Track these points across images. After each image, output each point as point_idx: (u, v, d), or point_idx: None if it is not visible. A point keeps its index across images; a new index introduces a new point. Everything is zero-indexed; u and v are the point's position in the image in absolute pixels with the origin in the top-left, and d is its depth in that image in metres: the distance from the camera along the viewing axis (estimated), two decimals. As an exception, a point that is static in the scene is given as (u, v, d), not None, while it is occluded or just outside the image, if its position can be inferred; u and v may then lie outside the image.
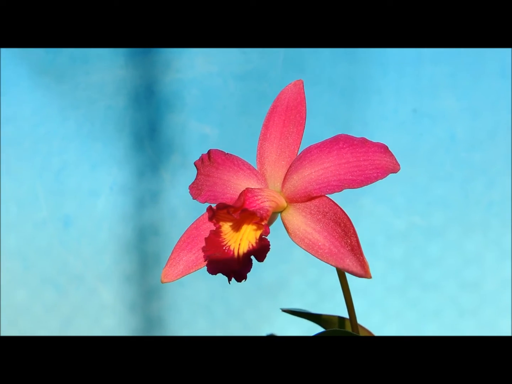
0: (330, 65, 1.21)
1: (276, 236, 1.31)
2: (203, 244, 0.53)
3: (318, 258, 0.52)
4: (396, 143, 1.24)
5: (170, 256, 0.56)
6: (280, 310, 0.70)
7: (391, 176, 1.33)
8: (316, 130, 1.24)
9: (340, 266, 0.50)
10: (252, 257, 0.52)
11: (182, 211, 1.27)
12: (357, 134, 1.34)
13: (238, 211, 0.50)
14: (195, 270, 0.57)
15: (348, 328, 0.67)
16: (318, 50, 1.21)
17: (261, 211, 0.51)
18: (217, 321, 1.29)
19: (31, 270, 1.31)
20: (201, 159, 0.56)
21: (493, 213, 1.20)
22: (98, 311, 1.31)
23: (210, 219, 0.51)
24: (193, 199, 0.56)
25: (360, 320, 0.63)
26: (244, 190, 0.51)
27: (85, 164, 1.28)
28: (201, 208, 1.36)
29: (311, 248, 0.51)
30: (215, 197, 0.55)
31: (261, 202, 0.52)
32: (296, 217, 0.53)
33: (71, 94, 1.27)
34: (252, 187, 0.53)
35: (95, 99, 1.27)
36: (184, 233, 0.56)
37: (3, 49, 1.30)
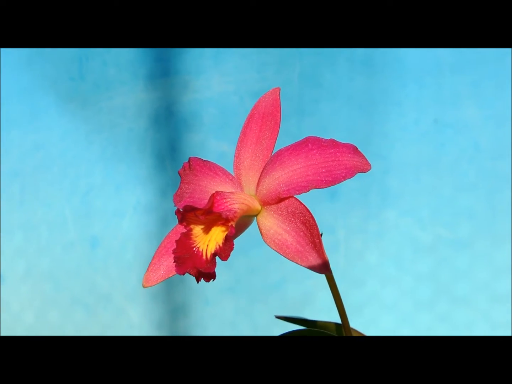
0: (347, 80, 1.07)
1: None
2: (175, 246, 0.50)
3: (286, 258, 0.49)
4: (418, 154, 1.09)
5: (151, 262, 0.53)
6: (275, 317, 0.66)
7: (415, 187, 1.16)
8: None
9: (304, 264, 0.48)
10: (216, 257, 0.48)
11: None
12: (377, 147, 1.17)
13: (205, 213, 0.48)
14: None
15: (342, 333, 0.62)
16: (334, 64, 1.07)
17: (228, 213, 0.48)
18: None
19: (62, 291, 1.20)
20: (183, 167, 0.53)
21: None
22: (126, 330, 1.18)
23: (180, 222, 0.49)
24: (175, 206, 0.53)
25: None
26: (214, 193, 0.49)
27: (110, 186, 1.17)
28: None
29: (280, 248, 0.49)
30: (193, 203, 0.52)
31: (230, 204, 0.49)
32: (268, 219, 0.51)
33: (95, 119, 1.17)
34: (219, 191, 0.51)
35: (118, 122, 1.16)
36: (164, 239, 0.54)
37: (33, 80, 1.20)
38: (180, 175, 0.54)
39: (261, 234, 0.51)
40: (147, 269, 0.53)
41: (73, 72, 1.22)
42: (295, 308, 1.17)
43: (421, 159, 1.11)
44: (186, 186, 0.53)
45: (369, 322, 1.15)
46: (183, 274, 0.48)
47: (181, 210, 0.49)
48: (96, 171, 1.22)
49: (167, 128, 1.18)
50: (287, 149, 0.50)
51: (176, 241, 0.49)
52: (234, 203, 0.49)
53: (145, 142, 1.19)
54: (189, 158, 0.53)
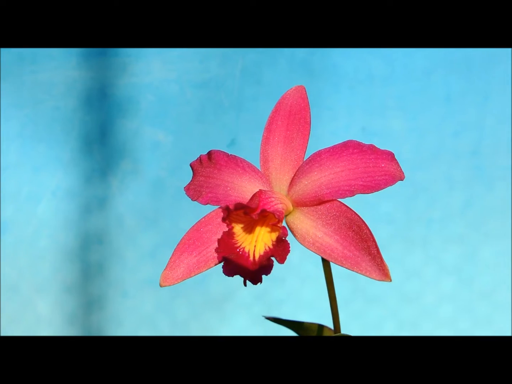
0: (286, 80, 1.08)
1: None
2: (213, 245, 0.49)
3: (332, 261, 0.48)
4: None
5: (170, 259, 0.51)
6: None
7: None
8: None
9: (355, 269, 0.47)
10: (273, 258, 0.47)
11: (129, 219, 1.08)
12: (309, 149, 1.20)
13: (256, 212, 0.46)
14: (197, 274, 0.50)
15: (326, 335, 0.61)
16: (275, 64, 1.08)
17: (278, 213, 0.47)
18: (161, 333, 1.10)
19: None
20: (200, 160, 0.51)
21: (434, 230, 1.11)
22: (32, 323, 1.08)
23: (224, 219, 0.47)
24: (193, 200, 0.51)
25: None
26: (258, 192, 0.48)
27: (26, 167, 1.07)
28: (153, 218, 1.16)
29: (323, 252, 0.48)
30: (217, 198, 0.50)
31: (275, 204, 0.48)
32: (305, 221, 0.49)
33: (15, 93, 1.06)
34: (263, 189, 0.49)
35: (42, 99, 1.08)
36: (184, 235, 0.51)
37: None
38: (193, 168, 0.52)
39: (296, 237, 0.49)
40: (166, 267, 0.50)
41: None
42: (216, 305, 1.15)
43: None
44: (204, 179, 0.51)
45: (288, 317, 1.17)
46: (232, 276, 0.46)
47: (229, 208, 0.47)
48: (12, 149, 1.11)
49: (99, 111, 1.11)
50: (327, 150, 0.49)
51: (218, 239, 0.47)
52: (278, 203, 0.48)
53: (72, 123, 1.11)
54: (211, 151, 0.51)
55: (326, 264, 0.56)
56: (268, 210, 0.47)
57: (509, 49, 1.10)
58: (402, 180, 0.47)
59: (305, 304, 1.16)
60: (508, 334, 1.09)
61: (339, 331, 0.59)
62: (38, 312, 1.12)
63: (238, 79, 1.11)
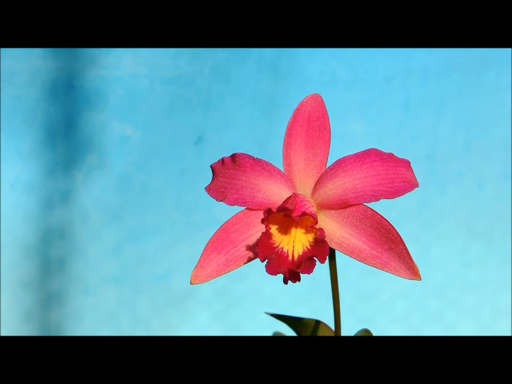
0: (254, 80, 1.10)
1: (190, 245, 1.14)
2: (241, 244, 0.52)
3: (360, 261, 0.50)
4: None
5: (200, 258, 0.52)
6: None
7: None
8: (235, 141, 1.11)
9: (385, 269, 0.50)
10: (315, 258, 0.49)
11: (94, 214, 1.05)
12: (274, 148, 1.22)
13: (298, 214, 0.49)
14: (226, 272, 0.52)
15: (322, 332, 0.64)
16: (244, 63, 1.09)
17: (314, 215, 0.50)
18: (122, 331, 1.08)
19: None
20: (222, 161, 0.52)
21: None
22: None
23: (263, 221, 0.49)
24: (218, 201, 0.53)
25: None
26: (293, 195, 0.51)
27: None
28: (117, 213, 1.14)
29: (351, 252, 0.51)
30: (243, 200, 0.52)
31: (310, 207, 0.51)
32: (330, 223, 0.51)
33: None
34: (296, 193, 0.52)
35: (1, 87, 1.02)
36: (213, 235, 0.53)
37: None
38: (215, 169, 0.53)
39: None
40: (196, 265, 0.52)
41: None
42: (177, 301, 1.15)
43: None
44: (229, 181, 0.52)
45: (250, 315, 1.18)
46: (275, 275, 0.48)
47: (271, 210, 0.49)
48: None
49: (65, 102, 1.07)
50: (350, 157, 0.51)
51: (258, 240, 0.49)
52: (311, 206, 0.51)
53: (34, 114, 1.07)
54: (235, 153, 0.52)
55: (332, 263, 0.58)
56: (307, 212, 0.49)
57: (462, 60, 1.17)
58: (417, 187, 0.51)
59: (266, 300, 1.18)
60: (458, 329, 1.16)
61: (339, 329, 0.61)
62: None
63: (207, 77, 1.11)
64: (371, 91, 1.18)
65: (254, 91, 1.14)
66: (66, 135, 1.08)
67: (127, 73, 1.07)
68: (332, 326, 0.63)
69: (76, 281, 1.10)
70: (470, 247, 1.19)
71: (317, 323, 0.65)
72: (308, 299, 1.18)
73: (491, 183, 1.19)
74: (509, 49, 1.14)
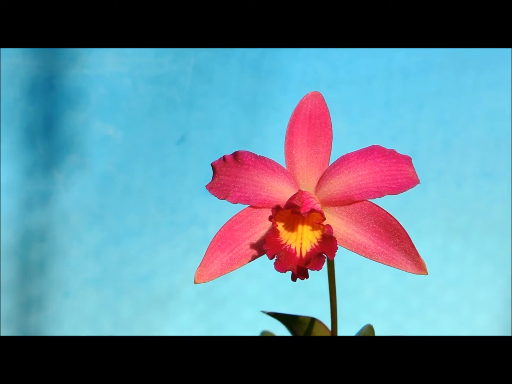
0: (236, 80, 1.09)
1: (173, 245, 1.13)
2: (245, 242, 0.51)
3: (365, 257, 0.51)
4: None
5: (203, 257, 0.52)
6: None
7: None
8: (218, 140, 1.11)
9: (391, 264, 0.50)
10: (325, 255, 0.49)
11: (74, 216, 1.03)
12: (256, 148, 1.22)
13: (306, 211, 0.49)
14: (230, 271, 0.52)
15: (317, 329, 0.64)
16: (227, 63, 1.08)
17: (322, 212, 0.50)
18: (103, 333, 1.07)
19: None
20: (224, 159, 0.52)
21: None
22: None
23: (271, 218, 0.49)
24: (220, 199, 0.52)
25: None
26: (299, 192, 0.51)
27: None
28: (99, 214, 1.12)
29: (356, 248, 0.51)
30: (246, 197, 0.52)
31: (316, 203, 0.51)
32: (334, 220, 0.51)
33: None
34: (302, 190, 0.52)
35: None
36: (217, 233, 0.52)
37: None
38: (216, 167, 0.52)
39: None
40: (200, 265, 0.51)
41: None
42: (160, 303, 1.13)
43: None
44: (231, 179, 0.52)
45: (233, 314, 1.17)
46: (284, 272, 0.48)
47: (279, 206, 0.49)
48: None
49: (45, 102, 1.05)
50: (353, 154, 0.52)
51: (265, 237, 0.49)
52: (317, 202, 0.51)
53: (13, 113, 1.04)
54: (237, 151, 0.52)
55: (330, 261, 0.58)
56: (315, 209, 0.49)
57: (441, 60, 1.18)
58: (419, 183, 0.51)
59: (249, 300, 1.17)
60: (438, 325, 1.17)
61: (336, 326, 0.61)
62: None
63: (190, 76, 1.10)
64: (353, 91, 1.18)
65: (237, 91, 1.13)
66: (46, 135, 1.05)
67: (109, 71, 1.05)
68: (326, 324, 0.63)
69: (56, 284, 1.08)
70: (449, 244, 1.21)
71: (312, 320, 0.65)
72: (290, 297, 1.18)
73: (470, 181, 1.21)
74: (487, 50, 1.15)
